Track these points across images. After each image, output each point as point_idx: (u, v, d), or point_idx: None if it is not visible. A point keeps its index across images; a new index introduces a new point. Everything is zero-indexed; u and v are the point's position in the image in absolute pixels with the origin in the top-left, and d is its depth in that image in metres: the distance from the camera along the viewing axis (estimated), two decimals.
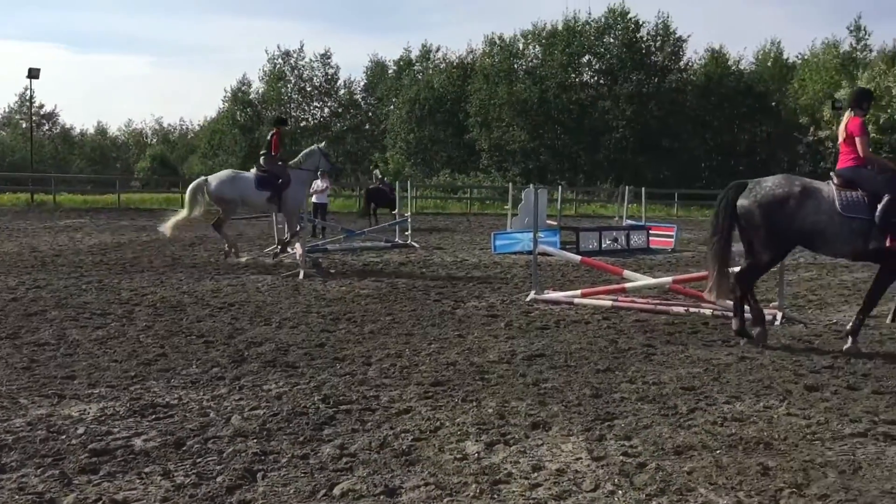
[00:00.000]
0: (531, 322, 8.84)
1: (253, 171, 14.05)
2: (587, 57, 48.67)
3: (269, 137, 14.18)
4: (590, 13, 49.03)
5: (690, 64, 50.04)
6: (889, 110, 43.14)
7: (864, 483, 4.23)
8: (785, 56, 56.50)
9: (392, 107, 56.26)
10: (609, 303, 9.80)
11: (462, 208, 37.71)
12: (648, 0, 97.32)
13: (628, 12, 47.76)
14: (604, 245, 17.51)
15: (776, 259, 7.86)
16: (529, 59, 50.08)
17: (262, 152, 14.30)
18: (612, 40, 47.99)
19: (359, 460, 4.46)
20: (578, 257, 11.79)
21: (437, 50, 59.50)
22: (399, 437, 4.86)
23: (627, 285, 10.13)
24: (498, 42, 51.51)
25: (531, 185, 22.13)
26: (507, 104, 46.68)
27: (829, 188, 7.50)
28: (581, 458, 4.53)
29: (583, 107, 47.10)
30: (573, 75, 48.27)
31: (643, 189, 24.97)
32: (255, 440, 4.76)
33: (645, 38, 47.97)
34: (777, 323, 8.75)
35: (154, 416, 5.20)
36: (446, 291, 11.19)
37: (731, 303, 7.99)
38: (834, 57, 51.59)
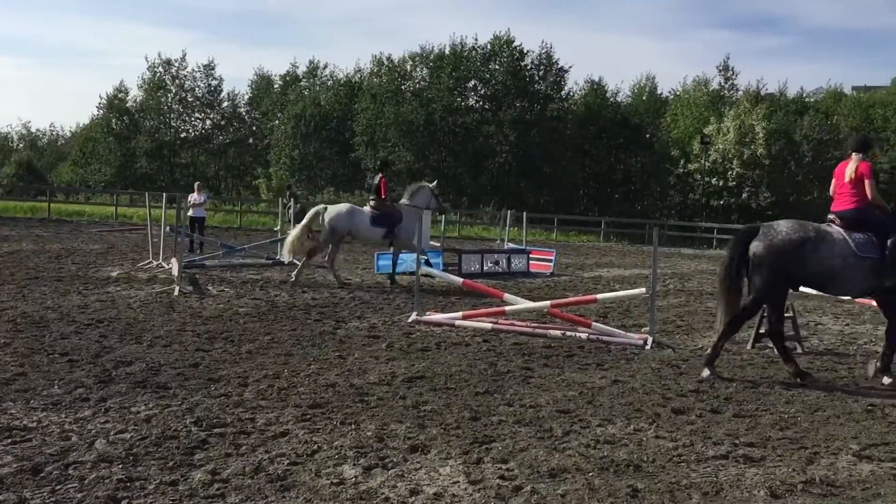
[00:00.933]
0: (412, 343, 8.85)
1: (367, 207, 14.78)
2: (473, 82, 49.60)
3: (377, 182, 14.85)
4: (476, 39, 49.75)
5: (571, 94, 51.79)
6: (752, 146, 45.91)
7: None
8: (659, 91, 59.44)
9: (277, 122, 55.45)
10: (489, 325, 9.94)
11: None
12: (533, 30, 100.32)
13: (513, 41, 49.04)
14: (485, 268, 17.77)
15: (784, 298, 7.97)
16: (417, 80, 50.51)
17: (371, 197, 14.92)
18: (497, 67, 49.08)
19: (231, 486, 4.33)
20: (460, 279, 11.93)
21: (325, 67, 59.25)
22: (274, 461, 4.75)
23: (507, 308, 10.32)
24: (386, 62, 51.75)
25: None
26: (393, 124, 46.91)
27: (837, 230, 7.70)
28: (458, 482, 4.56)
29: (468, 130, 47.87)
30: (459, 99, 49.05)
31: (524, 213, 25.56)
32: (120, 466, 4.54)
33: (529, 67, 49.27)
34: (647, 347, 9.11)
35: (10, 440, 4.89)
36: (327, 311, 11.06)
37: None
38: (704, 94, 54.57)
